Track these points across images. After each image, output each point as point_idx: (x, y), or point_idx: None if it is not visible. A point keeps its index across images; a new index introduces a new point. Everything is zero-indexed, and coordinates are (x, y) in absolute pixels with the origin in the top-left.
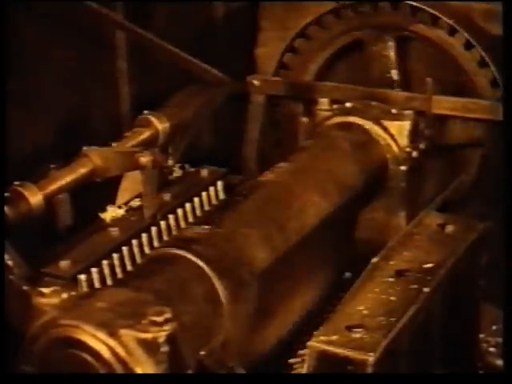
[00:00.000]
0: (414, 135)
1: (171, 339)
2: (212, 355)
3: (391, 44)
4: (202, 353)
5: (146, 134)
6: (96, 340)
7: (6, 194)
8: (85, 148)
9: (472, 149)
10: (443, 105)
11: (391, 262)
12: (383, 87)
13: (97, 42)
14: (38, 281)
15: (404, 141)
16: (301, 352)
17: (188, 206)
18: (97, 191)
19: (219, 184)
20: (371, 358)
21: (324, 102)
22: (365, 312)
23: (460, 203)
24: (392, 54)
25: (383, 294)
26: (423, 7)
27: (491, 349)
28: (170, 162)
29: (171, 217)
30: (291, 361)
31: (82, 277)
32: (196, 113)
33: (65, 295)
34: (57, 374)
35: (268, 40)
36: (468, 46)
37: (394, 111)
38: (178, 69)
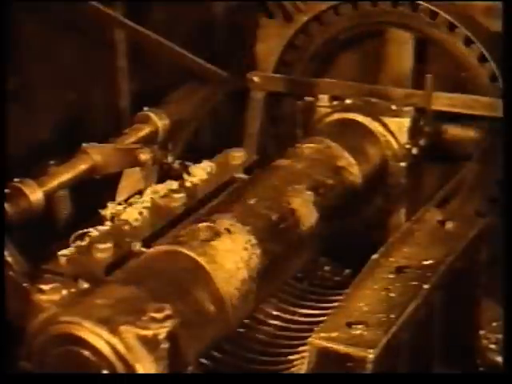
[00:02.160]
0: (414, 132)
1: (171, 336)
2: None
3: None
4: None
5: (145, 131)
6: (96, 337)
7: (6, 191)
8: (84, 145)
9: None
10: (443, 101)
11: (391, 259)
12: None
13: (96, 40)
14: (38, 278)
15: (404, 137)
16: (301, 348)
17: None
18: (97, 188)
19: None
20: (371, 354)
21: (324, 99)
22: (365, 308)
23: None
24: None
25: (383, 291)
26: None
27: (491, 345)
28: (170, 159)
29: None
30: (291, 357)
31: None
32: (196, 109)
33: (65, 292)
34: (56, 373)
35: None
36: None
37: (393, 108)
38: (177, 66)
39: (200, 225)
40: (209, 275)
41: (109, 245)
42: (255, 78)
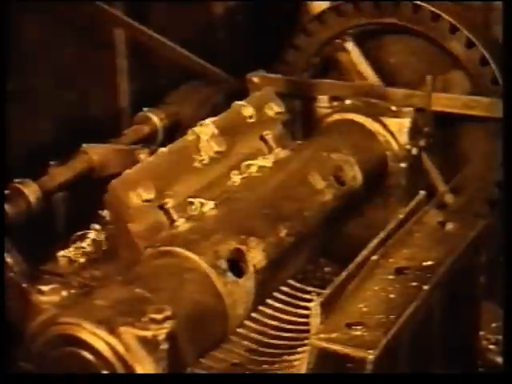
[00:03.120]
0: (414, 132)
1: (171, 337)
2: None
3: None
4: None
5: (145, 131)
6: (96, 338)
7: (6, 191)
8: (84, 145)
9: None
10: (443, 102)
11: (391, 260)
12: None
13: (96, 40)
14: (37, 278)
15: (404, 138)
16: (301, 349)
17: None
18: (97, 188)
19: None
20: (371, 355)
21: (324, 99)
22: (365, 310)
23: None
24: None
25: (383, 292)
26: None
27: (491, 346)
28: None
29: None
30: (291, 358)
31: None
32: (196, 110)
33: (64, 293)
34: (56, 373)
35: None
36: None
37: (393, 108)
38: (177, 66)
39: (236, 247)
40: (226, 312)
41: (151, 196)
42: (255, 79)
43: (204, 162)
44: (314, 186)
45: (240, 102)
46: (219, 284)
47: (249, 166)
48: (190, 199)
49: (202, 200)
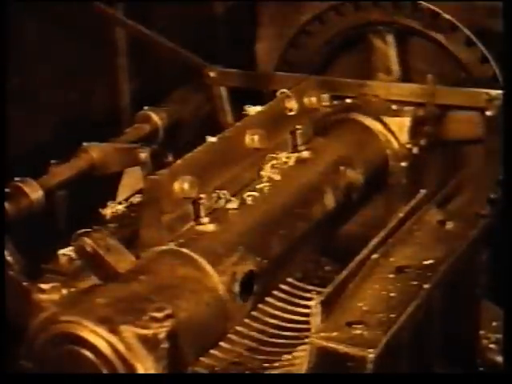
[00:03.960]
0: (415, 131)
1: (171, 335)
2: None
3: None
4: None
5: (145, 130)
6: (96, 336)
7: (6, 190)
8: (84, 144)
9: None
10: (445, 96)
11: (391, 259)
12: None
13: (97, 40)
14: (38, 277)
15: (404, 137)
16: (301, 348)
17: None
18: (97, 187)
19: None
20: (371, 354)
21: (324, 98)
22: (365, 308)
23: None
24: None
25: (383, 291)
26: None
27: (491, 345)
28: (170, 158)
29: None
30: (291, 357)
31: None
32: (196, 109)
33: (65, 291)
34: (56, 373)
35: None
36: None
37: (394, 107)
38: (178, 65)
39: (251, 269)
40: (225, 329)
41: (193, 194)
42: (211, 73)
43: (244, 157)
44: (327, 205)
45: (286, 92)
46: (229, 308)
47: (271, 159)
48: (216, 191)
49: (227, 194)
